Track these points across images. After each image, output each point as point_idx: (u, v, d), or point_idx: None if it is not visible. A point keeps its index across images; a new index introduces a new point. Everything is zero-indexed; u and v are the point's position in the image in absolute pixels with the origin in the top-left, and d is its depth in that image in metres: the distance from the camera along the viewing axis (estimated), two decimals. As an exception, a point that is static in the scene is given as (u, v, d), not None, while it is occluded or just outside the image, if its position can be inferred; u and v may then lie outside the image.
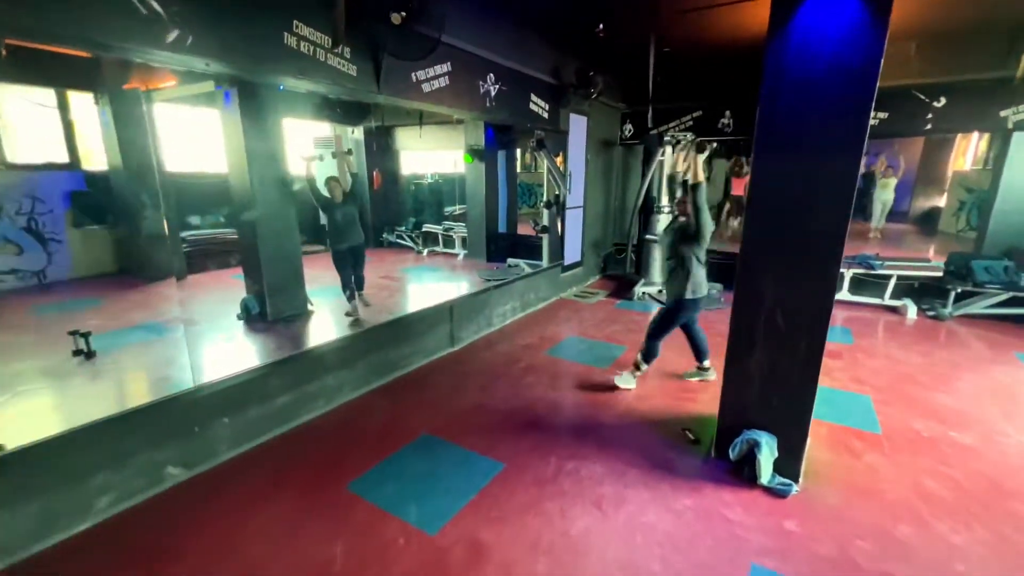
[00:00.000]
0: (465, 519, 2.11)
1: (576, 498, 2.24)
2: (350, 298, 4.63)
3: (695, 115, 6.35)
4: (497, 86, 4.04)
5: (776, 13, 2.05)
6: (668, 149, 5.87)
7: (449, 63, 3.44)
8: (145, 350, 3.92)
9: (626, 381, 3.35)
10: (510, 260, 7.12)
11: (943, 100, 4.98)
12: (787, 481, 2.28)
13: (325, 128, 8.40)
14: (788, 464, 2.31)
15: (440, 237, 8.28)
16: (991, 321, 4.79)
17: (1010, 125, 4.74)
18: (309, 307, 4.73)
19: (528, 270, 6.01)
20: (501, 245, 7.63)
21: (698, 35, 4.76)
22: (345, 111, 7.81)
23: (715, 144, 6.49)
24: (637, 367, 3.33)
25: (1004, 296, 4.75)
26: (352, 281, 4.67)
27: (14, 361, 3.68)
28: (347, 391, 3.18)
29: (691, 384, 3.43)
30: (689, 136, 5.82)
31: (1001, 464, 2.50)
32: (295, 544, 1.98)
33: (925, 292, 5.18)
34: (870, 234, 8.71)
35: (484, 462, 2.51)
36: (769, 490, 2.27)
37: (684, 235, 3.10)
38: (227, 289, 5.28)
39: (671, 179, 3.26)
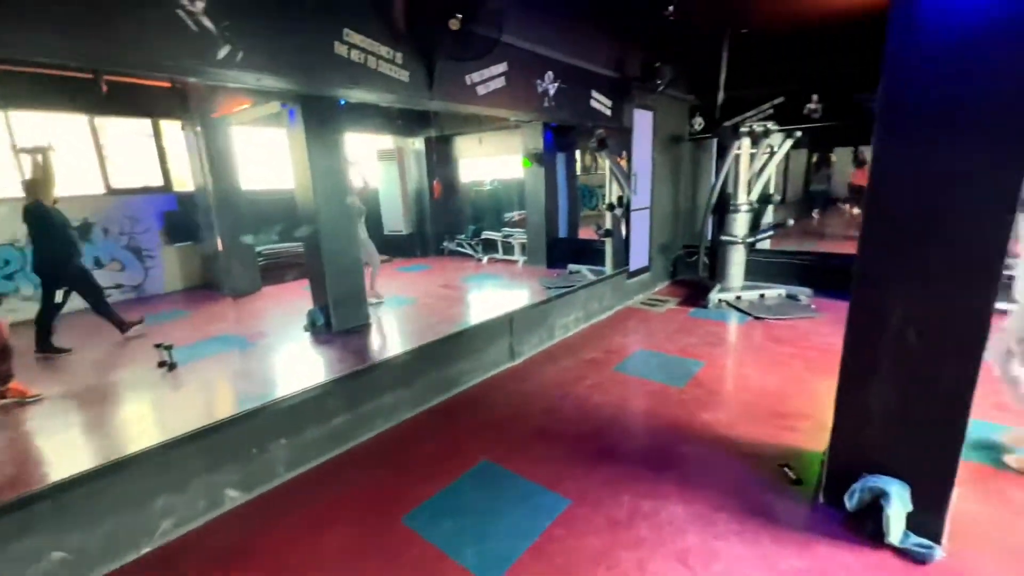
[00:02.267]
0: (526, 567, 1.87)
1: (656, 549, 1.93)
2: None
3: (776, 102, 5.72)
4: (556, 84, 3.80)
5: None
6: (746, 141, 5.33)
7: (505, 63, 3.26)
8: (221, 363, 4.07)
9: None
10: (571, 266, 6.83)
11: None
12: (927, 542, 1.83)
13: (387, 140, 8.59)
14: (927, 520, 1.86)
15: (500, 244, 8.16)
16: None
17: None
18: (369, 320, 4.73)
19: (591, 276, 5.69)
20: (562, 251, 7.37)
21: (781, 11, 4.25)
22: (406, 122, 7.93)
23: (799, 133, 5.82)
24: None
25: None
26: None
27: (108, 371, 3.95)
28: (404, 410, 3.07)
29: (787, 409, 2.97)
30: (770, 125, 5.24)
31: None
32: (347, 584, 1.84)
33: None
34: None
35: (549, 497, 2.26)
36: (902, 552, 1.84)
37: None
38: (296, 300, 5.44)
39: None
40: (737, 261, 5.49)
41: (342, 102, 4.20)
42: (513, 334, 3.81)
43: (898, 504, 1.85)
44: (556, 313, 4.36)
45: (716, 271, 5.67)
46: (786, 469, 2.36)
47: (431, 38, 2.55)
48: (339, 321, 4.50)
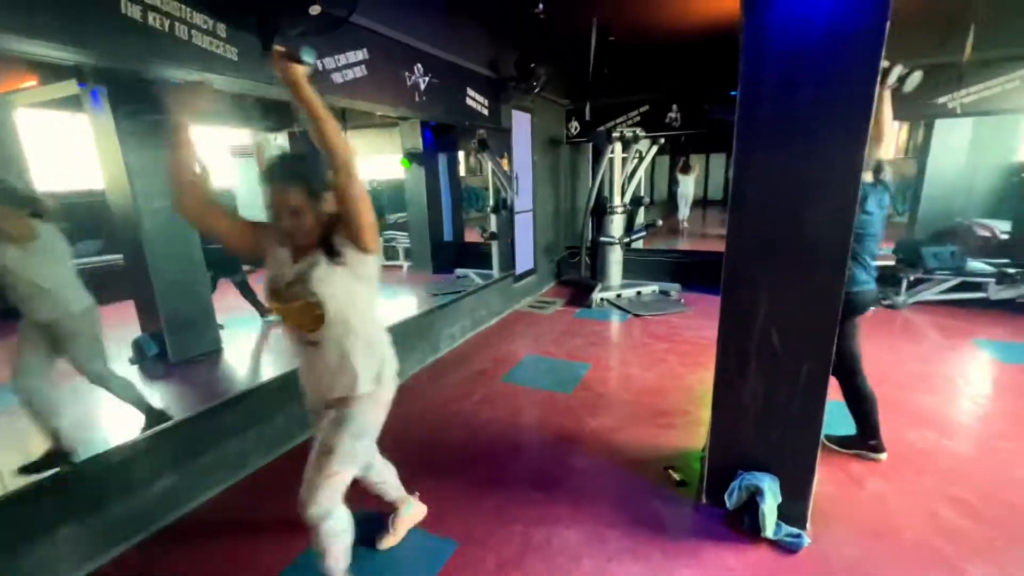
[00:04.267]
0: (407, 638, 1.59)
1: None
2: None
3: (642, 110, 6.10)
4: (427, 78, 3.52)
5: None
6: (618, 146, 5.57)
7: (365, 49, 2.89)
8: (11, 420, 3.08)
9: None
10: (458, 271, 6.60)
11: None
12: (795, 531, 1.92)
13: (243, 135, 7.54)
14: (794, 509, 1.95)
15: (381, 248, 7.63)
16: (943, 307, 4.79)
17: (959, 110, 4.76)
18: (221, 344, 4.01)
19: (479, 281, 5.52)
20: (448, 254, 7.10)
21: (644, 21, 4.46)
22: (264, 113, 7.01)
23: (662, 141, 6.27)
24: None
25: (954, 282, 4.77)
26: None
27: None
28: (256, 458, 2.56)
29: (667, 406, 3.06)
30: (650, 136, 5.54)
31: (1007, 478, 2.27)
32: None
33: (878, 281, 5.13)
34: (680, 226, 10.34)
35: (432, 543, 1.99)
36: (776, 543, 1.91)
37: None
38: (124, 325, 4.43)
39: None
40: (615, 260, 5.72)
41: (172, 81, 3.45)
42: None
43: (771, 498, 1.92)
44: (441, 323, 4.09)
45: (597, 271, 5.86)
46: (670, 471, 2.38)
47: (258, 9, 2.11)
48: (177, 349, 3.73)
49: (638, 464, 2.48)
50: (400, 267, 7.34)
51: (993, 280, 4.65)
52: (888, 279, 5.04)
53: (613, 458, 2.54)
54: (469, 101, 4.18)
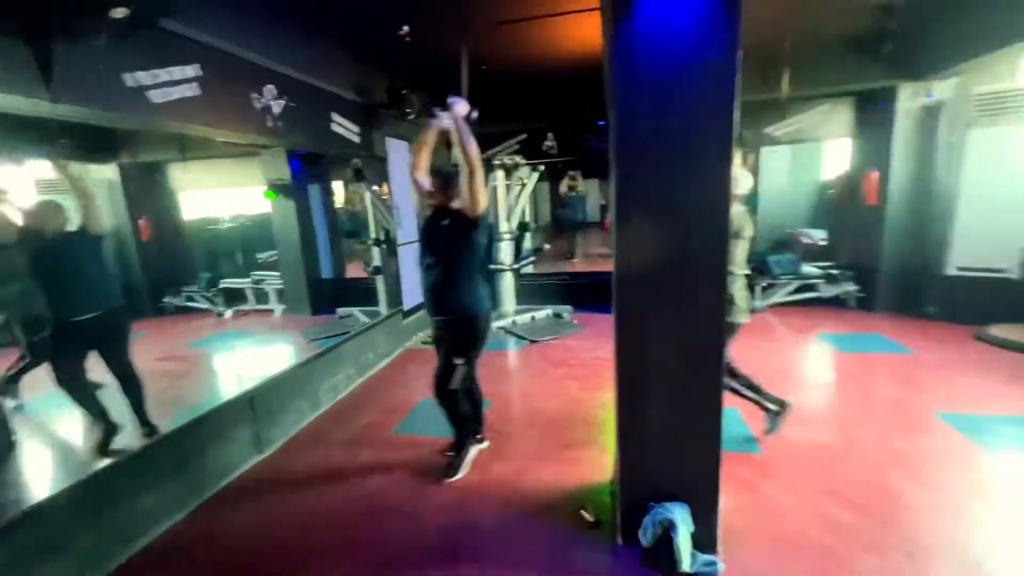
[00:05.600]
0: None
1: None
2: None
3: (520, 139, 6.21)
4: (282, 101, 3.13)
5: (617, 5, 1.67)
6: (500, 174, 5.58)
7: (198, 65, 2.44)
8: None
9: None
10: (341, 310, 6.03)
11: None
12: (710, 559, 1.87)
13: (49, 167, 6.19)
14: (705, 534, 1.91)
15: (249, 292, 6.72)
16: (790, 307, 5.47)
17: (782, 138, 5.55)
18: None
19: (365, 320, 5.06)
20: (328, 293, 6.47)
21: (515, 51, 4.53)
22: (78, 143, 5.83)
23: (542, 167, 6.45)
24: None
25: (796, 284, 5.49)
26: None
27: None
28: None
29: (571, 439, 2.95)
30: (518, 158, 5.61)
31: (868, 465, 2.50)
32: None
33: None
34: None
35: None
36: (694, 576, 1.84)
37: None
38: None
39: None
40: (507, 287, 5.65)
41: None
42: (258, 417, 2.90)
43: (683, 529, 1.85)
44: (320, 374, 3.59)
45: (493, 299, 5.73)
46: (583, 512, 2.23)
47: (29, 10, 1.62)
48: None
49: (549, 509, 2.30)
50: (272, 311, 6.51)
51: (823, 280, 5.43)
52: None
53: (522, 506, 2.33)
54: (335, 127, 3.84)
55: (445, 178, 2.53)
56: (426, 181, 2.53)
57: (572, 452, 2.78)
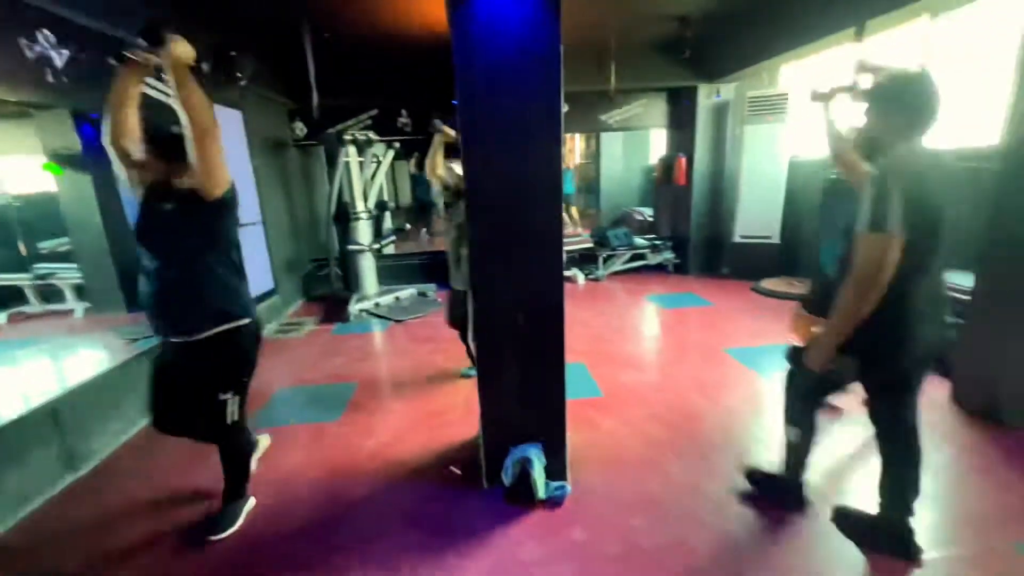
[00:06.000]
0: None
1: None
2: None
3: (372, 113, 5.98)
4: (65, 52, 2.59)
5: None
6: (352, 149, 5.34)
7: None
8: None
9: None
10: (169, 304, 5.23)
11: (567, 107, 6.16)
12: (560, 483, 2.18)
13: None
14: (557, 466, 2.21)
15: (30, 291, 5.42)
16: (627, 275, 6.32)
17: (614, 125, 6.27)
18: None
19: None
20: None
21: (361, 22, 4.34)
22: None
23: (398, 144, 6.32)
24: None
25: (630, 255, 6.34)
26: None
27: None
28: None
29: (439, 406, 3.08)
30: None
31: (679, 394, 3.11)
32: None
33: (585, 260, 6.42)
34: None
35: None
36: (548, 501, 2.13)
37: None
38: None
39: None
40: (368, 268, 5.50)
41: None
42: (66, 432, 2.45)
43: (538, 464, 2.12)
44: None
45: (350, 281, 5.53)
46: (451, 468, 2.39)
47: None
48: None
49: (421, 472, 2.41)
50: (71, 311, 5.36)
51: (650, 250, 6.38)
52: (590, 258, 6.35)
53: (395, 475, 2.40)
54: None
55: (165, 143, 1.80)
56: (136, 149, 1.80)
57: (441, 418, 2.92)
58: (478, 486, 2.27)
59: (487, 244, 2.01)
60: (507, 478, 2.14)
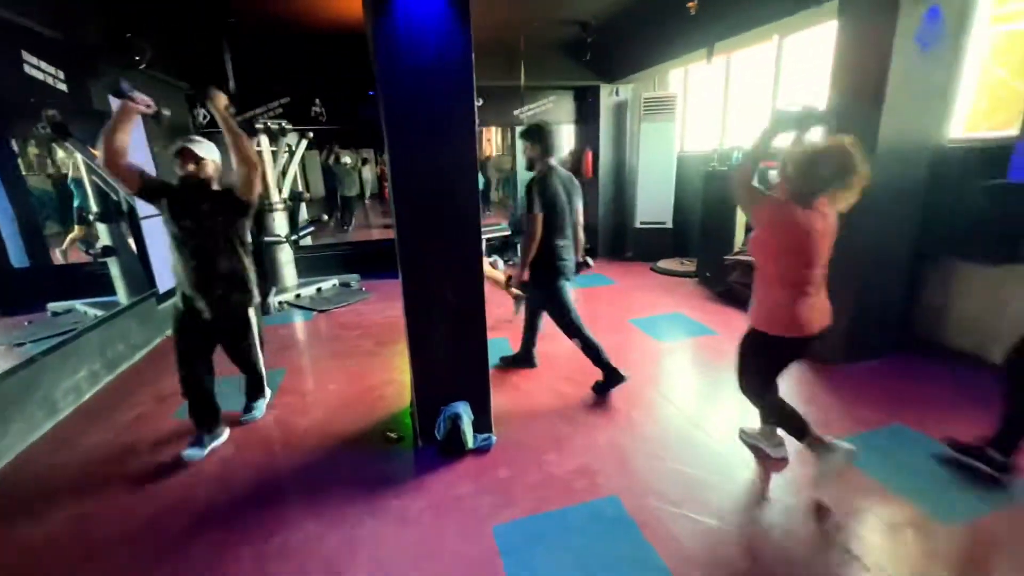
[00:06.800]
0: None
1: (306, 563, 1.74)
2: None
3: (283, 102, 5.83)
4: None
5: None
6: (263, 139, 5.22)
7: None
8: None
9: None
10: (52, 306, 4.81)
11: (481, 101, 6.44)
12: (487, 435, 2.50)
13: None
14: (483, 420, 2.53)
15: None
16: (542, 260, 6.77)
17: (525, 120, 6.65)
18: None
19: (93, 314, 4.21)
20: (28, 286, 5.03)
21: (269, 10, 4.28)
22: None
23: (311, 134, 6.20)
24: None
25: (544, 241, 6.80)
26: None
27: None
28: None
29: (373, 382, 3.26)
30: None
31: (571, 358, 3.56)
32: None
33: (505, 248, 6.78)
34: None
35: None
36: (477, 450, 2.44)
37: None
38: None
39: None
40: (286, 260, 5.42)
41: None
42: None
43: (466, 418, 2.42)
44: (52, 376, 2.96)
45: (268, 273, 5.40)
46: (388, 434, 2.62)
47: None
48: None
49: (357, 442, 2.61)
50: (-73, 319, 4.70)
51: (562, 237, 6.87)
52: (510, 246, 6.72)
53: (333, 448, 2.57)
54: (29, 69, 3.05)
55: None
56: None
57: (374, 392, 3.12)
58: (412, 446, 2.52)
59: (415, 227, 2.25)
60: (439, 433, 2.41)
